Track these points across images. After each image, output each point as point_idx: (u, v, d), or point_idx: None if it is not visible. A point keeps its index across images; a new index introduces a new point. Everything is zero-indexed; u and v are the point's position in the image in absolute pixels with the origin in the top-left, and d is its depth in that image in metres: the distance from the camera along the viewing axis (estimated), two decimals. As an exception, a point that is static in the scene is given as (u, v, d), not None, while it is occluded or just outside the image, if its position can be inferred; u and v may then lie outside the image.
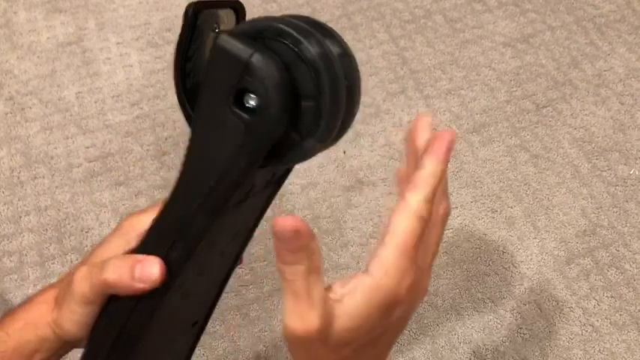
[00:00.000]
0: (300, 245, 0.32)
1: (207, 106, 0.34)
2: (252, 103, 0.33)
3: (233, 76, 0.33)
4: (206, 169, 0.35)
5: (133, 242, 0.41)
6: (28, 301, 0.44)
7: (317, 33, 0.34)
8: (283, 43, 0.33)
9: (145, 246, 0.40)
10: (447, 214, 0.37)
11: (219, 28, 0.38)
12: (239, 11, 0.39)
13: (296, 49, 0.33)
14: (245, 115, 0.33)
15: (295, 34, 0.33)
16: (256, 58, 0.32)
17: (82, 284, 0.39)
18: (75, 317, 0.40)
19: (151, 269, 0.38)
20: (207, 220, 0.37)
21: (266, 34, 0.33)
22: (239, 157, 0.34)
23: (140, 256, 0.39)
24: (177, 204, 0.38)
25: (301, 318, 0.32)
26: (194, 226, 0.38)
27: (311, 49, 0.33)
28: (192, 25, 0.36)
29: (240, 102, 0.33)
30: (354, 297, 0.33)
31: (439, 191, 0.35)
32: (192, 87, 0.38)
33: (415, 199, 0.33)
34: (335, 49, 0.35)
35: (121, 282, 0.38)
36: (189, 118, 0.37)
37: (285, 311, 0.32)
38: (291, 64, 0.33)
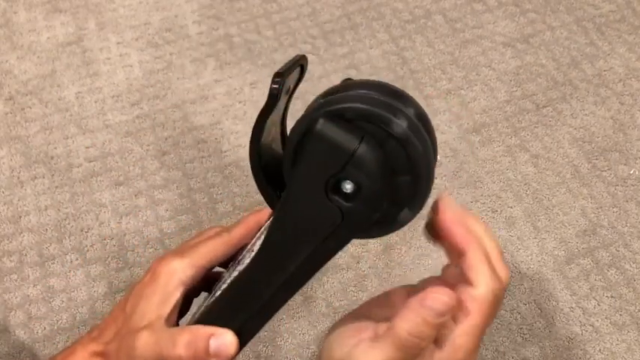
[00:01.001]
0: (442, 322, 0.32)
1: (299, 189, 0.34)
2: (348, 188, 0.33)
3: (335, 165, 0.32)
4: (295, 249, 0.35)
5: (176, 295, 0.40)
6: (62, 357, 0.42)
7: (397, 102, 0.33)
8: (374, 124, 0.32)
9: (216, 315, 0.39)
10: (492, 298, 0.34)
11: (291, 90, 0.38)
12: (304, 66, 0.38)
13: (387, 129, 0.32)
14: (343, 202, 0.33)
15: (386, 113, 0.32)
16: (363, 150, 0.32)
17: (148, 353, 0.38)
18: None
19: (226, 343, 0.38)
20: (289, 294, 0.37)
21: (359, 116, 0.32)
22: (331, 240, 0.34)
23: (213, 329, 0.38)
24: (258, 278, 0.37)
25: None
26: (274, 301, 0.38)
27: (401, 124, 0.32)
28: (279, 97, 0.35)
29: (336, 187, 0.33)
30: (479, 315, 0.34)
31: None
32: (263, 152, 0.37)
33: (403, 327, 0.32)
34: (412, 112, 0.34)
35: (195, 358, 0.38)
36: (263, 189, 0.38)
37: (370, 355, 0.32)
38: (383, 143, 0.32)
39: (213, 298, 0.41)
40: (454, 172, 1.01)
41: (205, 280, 0.43)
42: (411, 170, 0.33)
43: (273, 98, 0.35)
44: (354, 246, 0.93)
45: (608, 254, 0.94)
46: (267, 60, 1.12)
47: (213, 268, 0.42)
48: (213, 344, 0.37)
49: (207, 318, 0.40)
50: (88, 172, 1.00)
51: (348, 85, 0.35)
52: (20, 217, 0.96)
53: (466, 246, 0.34)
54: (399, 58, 1.13)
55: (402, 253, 0.93)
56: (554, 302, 0.90)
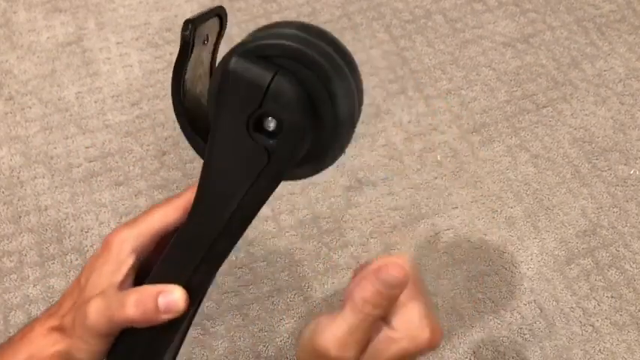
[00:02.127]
0: (397, 294, 0.34)
1: (223, 132, 0.34)
2: (272, 126, 0.32)
3: (252, 103, 0.32)
4: (227, 194, 0.35)
5: (128, 262, 0.40)
6: (21, 335, 0.42)
7: (313, 37, 0.33)
8: (289, 58, 0.32)
9: (163, 273, 0.39)
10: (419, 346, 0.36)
11: (208, 40, 0.37)
12: (222, 17, 0.38)
13: (302, 61, 0.32)
14: (267, 140, 0.32)
15: (299, 46, 0.32)
16: (278, 83, 0.31)
17: (99, 319, 0.38)
18: (90, 347, 0.39)
19: (175, 299, 0.38)
20: (230, 243, 0.37)
21: (274, 52, 0.32)
22: (262, 180, 0.34)
23: (161, 287, 0.38)
24: (196, 230, 0.37)
25: (343, 350, 0.34)
26: (216, 250, 0.37)
27: (315, 56, 0.32)
28: (192, 44, 0.35)
29: (259, 126, 0.33)
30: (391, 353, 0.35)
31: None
32: (191, 105, 0.37)
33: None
34: (330, 48, 0.34)
35: (145, 316, 0.38)
36: (192, 140, 0.37)
37: (332, 332, 0.34)
38: (305, 82, 0.32)
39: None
40: (454, 172, 1.01)
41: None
42: (330, 101, 0.33)
43: (185, 45, 0.35)
44: (354, 246, 0.93)
45: (608, 254, 0.94)
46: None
47: (168, 234, 0.42)
48: (162, 301, 0.38)
49: (156, 277, 0.40)
50: (88, 172, 1.00)
51: (265, 26, 0.35)
52: (20, 217, 0.96)
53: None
54: (399, 58, 1.13)
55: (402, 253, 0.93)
56: (554, 302, 0.90)
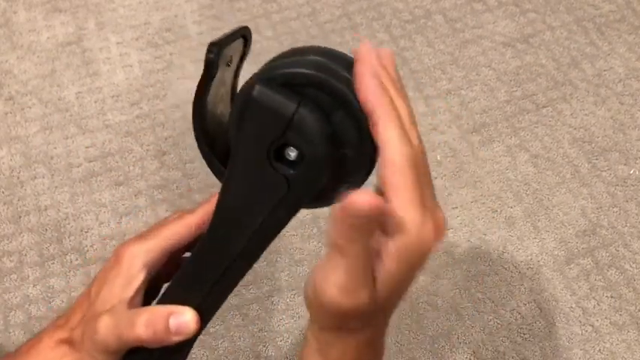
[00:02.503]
0: (372, 225, 0.31)
1: (243, 158, 0.33)
2: (292, 155, 0.32)
3: (274, 132, 0.31)
4: (245, 219, 0.35)
5: (139, 278, 0.40)
6: (28, 347, 0.42)
7: (337, 65, 0.32)
8: (319, 90, 0.32)
9: (176, 293, 0.39)
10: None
11: (232, 61, 0.37)
12: (247, 38, 0.38)
13: (336, 98, 0.31)
14: (288, 169, 0.32)
15: (333, 81, 0.31)
16: (301, 114, 0.31)
17: (109, 336, 0.38)
18: None
19: (186, 321, 0.38)
20: (246, 267, 0.37)
21: (299, 81, 0.32)
22: (280, 209, 0.34)
23: (172, 308, 0.38)
24: (212, 253, 0.37)
25: (353, 296, 0.31)
26: (231, 274, 0.37)
27: (350, 95, 0.31)
28: (216, 66, 0.34)
29: (280, 155, 0.32)
30: (396, 265, 0.32)
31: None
32: (211, 125, 0.37)
33: (392, 136, 0.31)
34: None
35: (155, 337, 0.37)
36: (210, 162, 0.37)
37: (333, 285, 0.32)
38: (330, 112, 0.32)
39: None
40: (454, 172, 1.01)
41: (176, 266, 0.42)
42: (356, 145, 0.33)
43: (209, 68, 0.35)
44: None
45: (608, 254, 0.94)
46: (267, 60, 1.11)
47: (179, 251, 0.42)
48: (173, 322, 0.37)
49: (168, 297, 0.40)
50: (88, 172, 1.00)
51: (288, 52, 0.35)
52: (20, 217, 0.96)
53: (376, 105, 0.32)
54: (399, 58, 1.13)
55: (402, 253, 0.93)
56: (554, 302, 0.90)
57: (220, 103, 0.38)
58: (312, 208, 0.37)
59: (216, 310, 0.39)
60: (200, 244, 0.38)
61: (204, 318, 0.39)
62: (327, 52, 0.34)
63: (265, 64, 0.34)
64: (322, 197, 0.35)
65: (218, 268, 0.37)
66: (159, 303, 0.40)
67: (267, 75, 0.33)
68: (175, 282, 0.40)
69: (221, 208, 0.36)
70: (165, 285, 0.42)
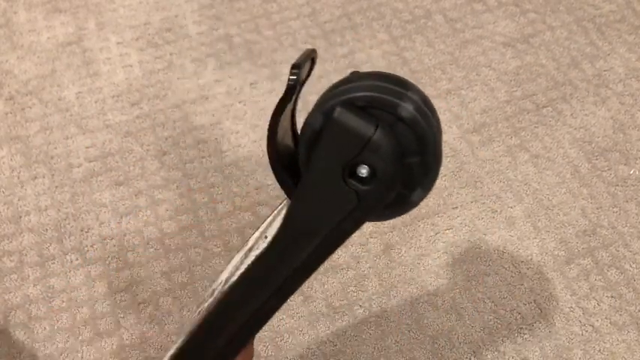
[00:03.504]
0: None
1: (317, 174, 0.36)
2: (364, 172, 0.35)
3: (352, 151, 0.34)
4: (309, 232, 0.37)
5: None
6: None
7: (402, 89, 0.35)
8: (384, 110, 0.35)
9: (236, 295, 0.41)
10: None
11: (302, 83, 0.39)
12: (314, 60, 0.40)
13: (396, 114, 0.35)
14: (359, 186, 0.35)
15: (394, 99, 0.34)
16: (379, 136, 0.34)
17: None
18: None
19: None
20: (303, 279, 0.39)
21: (371, 103, 0.35)
22: (347, 222, 0.36)
23: None
24: (275, 262, 0.39)
25: None
26: (289, 285, 0.39)
27: (409, 108, 0.34)
28: (298, 88, 0.37)
29: (352, 172, 0.35)
30: None
31: None
32: (278, 146, 0.39)
33: None
34: (417, 97, 0.36)
35: None
36: (282, 179, 0.39)
37: None
38: (394, 128, 0.35)
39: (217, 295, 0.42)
40: (454, 172, 1.01)
41: None
42: (421, 151, 0.36)
43: (291, 90, 0.36)
44: (354, 246, 0.93)
45: (608, 254, 0.94)
46: (267, 60, 1.12)
47: None
48: None
49: (231, 303, 0.41)
50: (88, 172, 1.00)
51: (356, 76, 0.37)
52: (20, 217, 0.96)
53: None
54: (399, 58, 1.13)
55: (402, 253, 0.93)
56: (554, 302, 0.90)
57: (283, 120, 0.39)
58: (380, 220, 0.39)
59: (271, 316, 0.41)
60: (263, 253, 0.39)
61: (259, 323, 0.41)
62: (383, 75, 0.37)
63: (333, 89, 0.37)
64: (397, 206, 0.37)
65: (279, 278, 0.39)
66: (217, 309, 0.41)
67: (346, 98, 0.35)
68: (232, 290, 0.41)
69: (290, 220, 0.38)
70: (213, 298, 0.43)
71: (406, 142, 0.35)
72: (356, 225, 0.36)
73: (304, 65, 0.37)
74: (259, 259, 0.40)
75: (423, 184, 0.37)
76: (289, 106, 0.38)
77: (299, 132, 0.38)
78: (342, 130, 0.34)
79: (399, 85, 0.36)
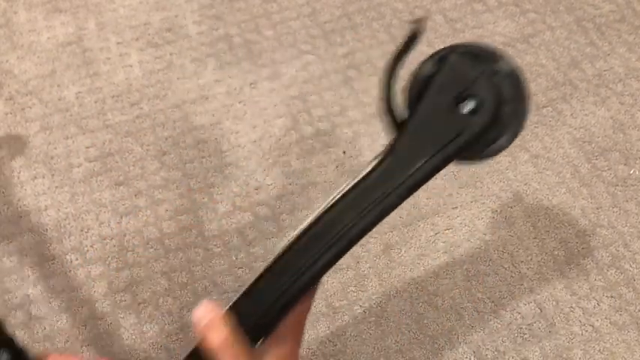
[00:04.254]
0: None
1: (430, 106, 0.43)
2: (470, 105, 0.42)
3: (462, 86, 0.42)
4: (417, 154, 0.43)
5: None
6: None
7: (503, 53, 0.44)
8: (490, 61, 0.43)
9: (347, 210, 0.46)
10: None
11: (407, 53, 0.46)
12: (418, 36, 0.47)
13: (499, 64, 0.43)
14: (466, 116, 0.42)
15: (498, 53, 0.43)
16: (484, 78, 0.42)
17: None
18: None
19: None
20: (400, 200, 0.43)
21: (480, 54, 0.44)
22: (450, 147, 0.42)
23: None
24: (380, 182, 0.44)
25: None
26: (388, 204, 0.44)
27: (509, 62, 0.43)
28: (418, 38, 0.44)
29: (460, 105, 0.42)
30: None
31: None
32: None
33: None
34: (513, 62, 0.44)
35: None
36: (389, 117, 0.44)
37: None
38: (496, 75, 0.43)
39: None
40: (454, 172, 1.01)
41: None
42: (516, 98, 0.43)
43: (413, 38, 0.43)
44: (354, 246, 0.93)
45: (608, 254, 0.94)
46: (267, 60, 1.12)
47: None
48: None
49: (341, 211, 0.46)
50: (88, 172, 1.00)
51: (457, 44, 0.46)
52: (20, 217, 0.96)
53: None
54: (399, 58, 1.13)
55: (402, 253, 0.93)
56: (553, 302, 0.90)
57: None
58: (481, 160, 0.44)
59: (347, 250, 0.46)
60: (360, 181, 0.44)
61: (356, 237, 0.46)
62: (486, 45, 0.45)
63: (438, 51, 0.45)
64: (487, 147, 0.43)
65: (384, 194, 0.44)
66: (330, 214, 0.45)
67: (460, 47, 0.44)
68: (348, 197, 0.45)
69: (398, 144, 0.43)
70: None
71: (505, 90, 0.43)
72: (452, 154, 0.42)
73: (421, 26, 0.44)
74: (356, 185, 0.44)
75: (513, 130, 0.42)
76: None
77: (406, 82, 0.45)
78: (455, 70, 0.43)
79: (499, 50, 0.44)
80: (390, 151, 0.43)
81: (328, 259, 0.47)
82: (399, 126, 0.44)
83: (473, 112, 0.42)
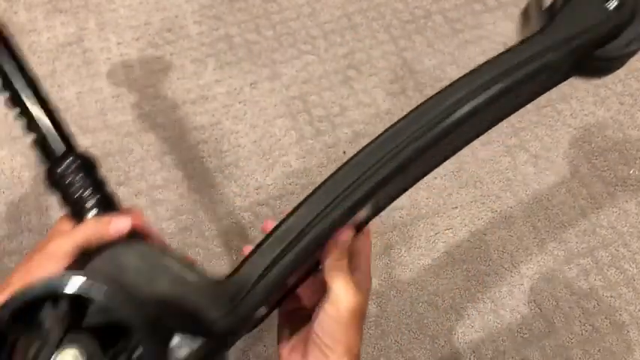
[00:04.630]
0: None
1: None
2: (614, 3, 0.47)
3: None
4: (568, 36, 0.47)
5: (62, 262, 0.42)
6: None
7: None
8: None
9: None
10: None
11: None
12: None
13: None
14: (610, 9, 0.47)
15: None
16: None
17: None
18: None
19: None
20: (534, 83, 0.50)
21: None
22: (593, 30, 0.47)
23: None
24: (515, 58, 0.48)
25: (355, 296, 0.46)
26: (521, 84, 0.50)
27: None
28: None
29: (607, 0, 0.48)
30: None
31: None
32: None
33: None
34: None
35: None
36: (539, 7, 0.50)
37: (343, 294, 0.46)
38: None
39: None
40: (454, 172, 1.01)
41: None
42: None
43: None
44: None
45: (607, 254, 0.94)
46: (267, 60, 1.12)
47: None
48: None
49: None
50: (89, 172, 1.00)
51: None
52: (21, 217, 0.96)
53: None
54: (399, 59, 1.13)
55: (402, 253, 0.93)
56: (553, 302, 0.90)
57: None
58: (587, 71, 0.50)
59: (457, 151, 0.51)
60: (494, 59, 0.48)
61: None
62: None
63: None
64: (619, 51, 0.49)
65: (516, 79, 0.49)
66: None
67: None
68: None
69: (548, 31, 0.47)
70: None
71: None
72: (598, 34, 0.46)
73: None
74: (500, 55, 0.48)
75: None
76: None
77: None
78: None
79: None
80: (540, 31, 0.48)
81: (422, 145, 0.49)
82: (548, 17, 0.49)
83: (616, 6, 0.48)
